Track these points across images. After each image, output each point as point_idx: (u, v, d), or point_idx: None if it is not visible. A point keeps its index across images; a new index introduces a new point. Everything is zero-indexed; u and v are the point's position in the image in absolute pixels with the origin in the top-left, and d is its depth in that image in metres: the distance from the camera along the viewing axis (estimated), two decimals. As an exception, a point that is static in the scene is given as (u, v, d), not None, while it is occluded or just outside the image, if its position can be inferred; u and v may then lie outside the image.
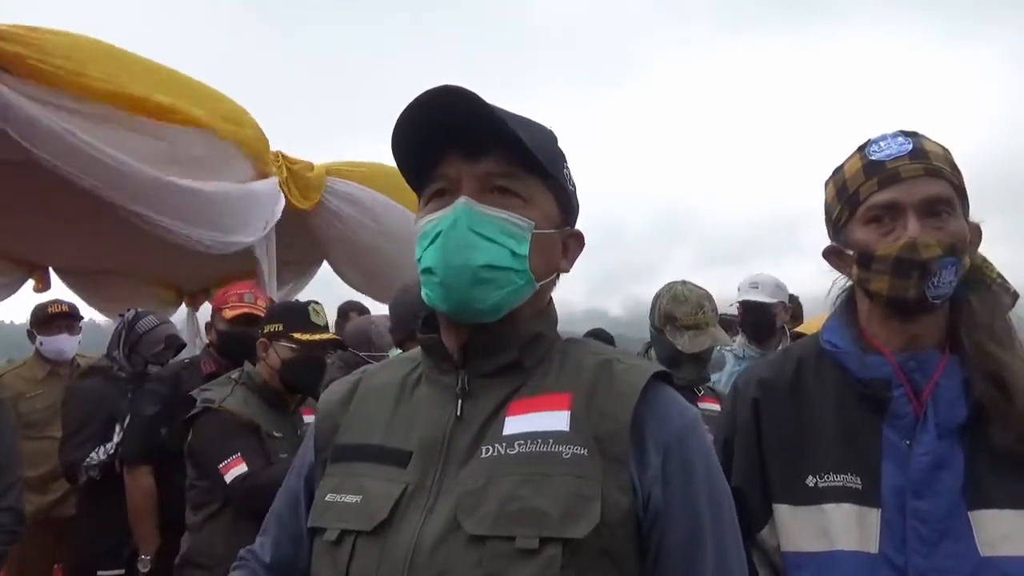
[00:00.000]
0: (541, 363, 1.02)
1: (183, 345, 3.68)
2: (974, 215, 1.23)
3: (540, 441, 0.93)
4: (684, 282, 2.67)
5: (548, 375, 1.01)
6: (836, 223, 1.28)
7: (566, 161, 1.07)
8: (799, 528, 1.21)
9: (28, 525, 2.60)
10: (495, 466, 0.92)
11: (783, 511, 1.23)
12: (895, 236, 1.17)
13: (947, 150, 1.21)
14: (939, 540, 1.13)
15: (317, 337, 2.58)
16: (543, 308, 1.07)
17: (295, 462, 1.16)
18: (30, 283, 5.48)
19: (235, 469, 2.34)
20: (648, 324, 2.70)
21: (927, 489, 1.15)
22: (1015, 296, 1.30)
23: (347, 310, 4.86)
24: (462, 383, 1.00)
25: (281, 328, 2.58)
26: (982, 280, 1.25)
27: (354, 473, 1.00)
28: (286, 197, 3.73)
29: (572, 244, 1.09)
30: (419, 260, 1.00)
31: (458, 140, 0.97)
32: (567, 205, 1.06)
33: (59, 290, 5.59)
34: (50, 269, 5.61)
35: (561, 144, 1.07)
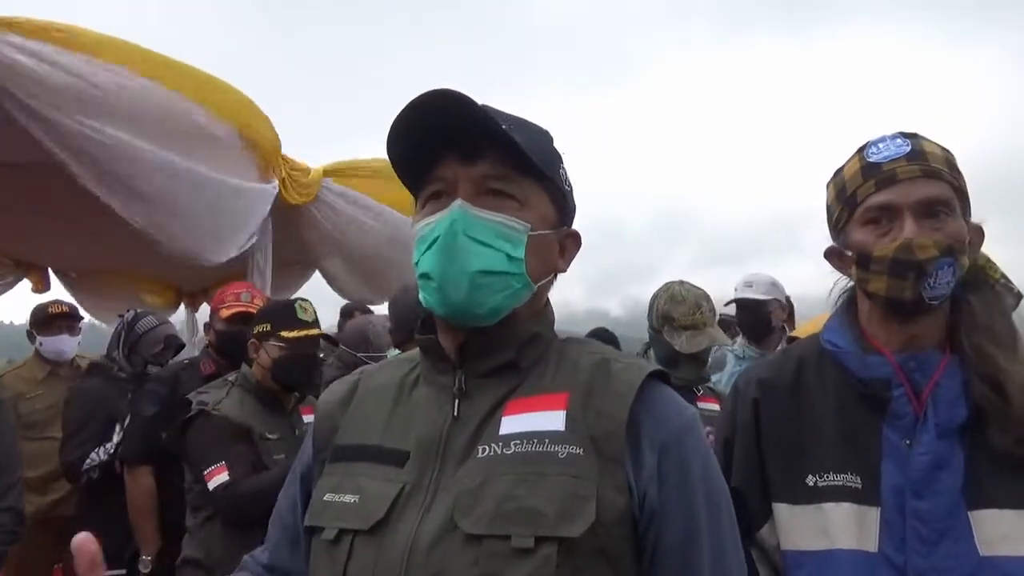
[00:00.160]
0: (538, 363, 1.02)
1: (182, 345, 3.69)
2: (974, 215, 1.23)
3: (536, 441, 0.93)
4: (682, 282, 2.67)
5: (544, 375, 1.01)
6: (836, 224, 1.28)
7: (562, 161, 1.07)
8: (799, 527, 1.21)
9: (28, 525, 2.60)
10: (491, 466, 0.92)
11: (783, 510, 1.23)
12: (892, 237, 1.17)
13: (948, 151, 1.21)
14: (939, 540, 1.13)
15: (304, 333, 2.58)
16: (540, 309, 1.07)
17: (295, 462, 1.16)
18: (27, 283, 5.48)
19: (218, 477, 2.36)
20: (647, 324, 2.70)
21: (927, 489, 1.15)
22: (1018, 297, 1.30)
23: (351, 310, 4.85)
24: (459, 383, 1.01)
25: (269, 328, 2.59)
26: (984, 281, 1.25)
27: (352, 473, 1.00)
28: (282, 195, 3.71)
29: (569, 244, 1.09)
30: (416, 264, 1.00)
31: (453, 143, 0.98)
32: (563, 205, 1.06)
33: (58, 292, 5.60)
34: (49, 270, 5.62)
35: (558, 144, 1.07)
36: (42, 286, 5.53)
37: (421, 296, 1.01)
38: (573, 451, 0.91)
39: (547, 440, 0.92)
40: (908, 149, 1.19)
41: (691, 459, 0.95)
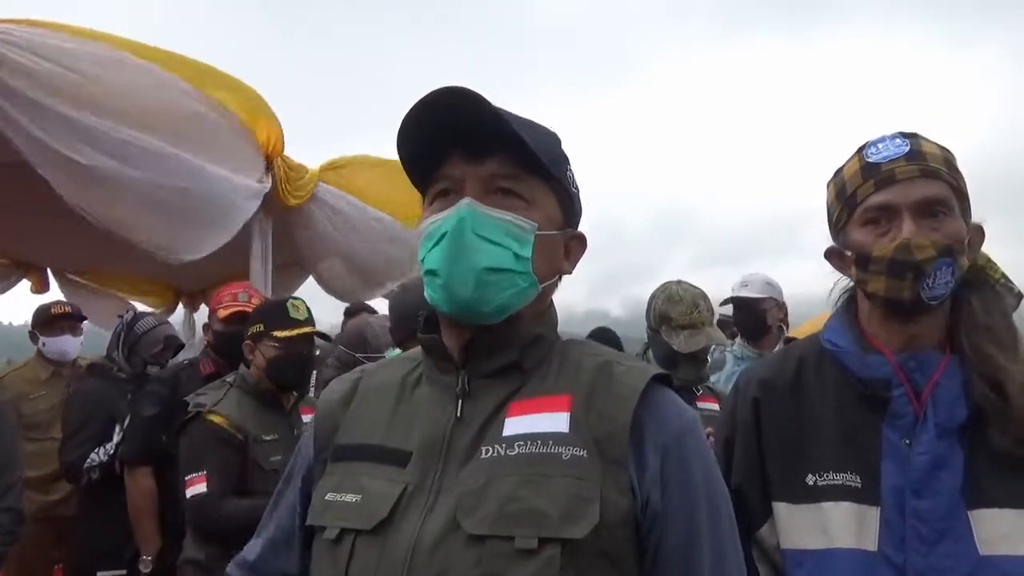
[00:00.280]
0: (540, 364, 1.02)
1: (181, 345, 3.69)
2: (974, 215, 1.23)
3: (540, 442, 0.93)
4: (679, 282, 2.66)
5: (547, 377, 1.01)
6: (836, 224, 1.29)
7: (569, 163, 1.07)
8: (798, 526, 1.22)
9: (29, 522, 2.61)
10: (495, 467, 0.92)
11: (782, 509, 1.24)
12: (891, 238, 1.17)
13: (947, 151, 1.21)
14: (938, 539, 1.13)
15: (296, 332, 2.59)
16: (544, 310, 1.07)
17: (295, 462, 1.16)
18: (27, 284, 5.48)
19: (196, 487, 2.38)
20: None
21: (926, 488, 1.15)
22: (1019, 297, 1.30)
23: (354, 310, 4.85)
24: (462, 383, 1.01)
25: (263, 328, 2.60)
26: (985, 281, 1.25)
27: (354, 472, 1.00)
28: (279, 196, 3.70)
29: (574, 246, 1.09)
30: (422, 261, 1.00)
31: (462, 141, 0.98)
32: (570, 207, 1.07)
33: (57, 293, 5.60)
34: (48, 270, 5.61)
35: (564, 146, 1.07)
36: (41, 286, 5.52)
37: (426, 293, 1.01)
38: (577, 453, 0.91)
39: (551, 442, 0.93)
40: (907, 149, 1.20)
41: (692, 461, 0.96)
